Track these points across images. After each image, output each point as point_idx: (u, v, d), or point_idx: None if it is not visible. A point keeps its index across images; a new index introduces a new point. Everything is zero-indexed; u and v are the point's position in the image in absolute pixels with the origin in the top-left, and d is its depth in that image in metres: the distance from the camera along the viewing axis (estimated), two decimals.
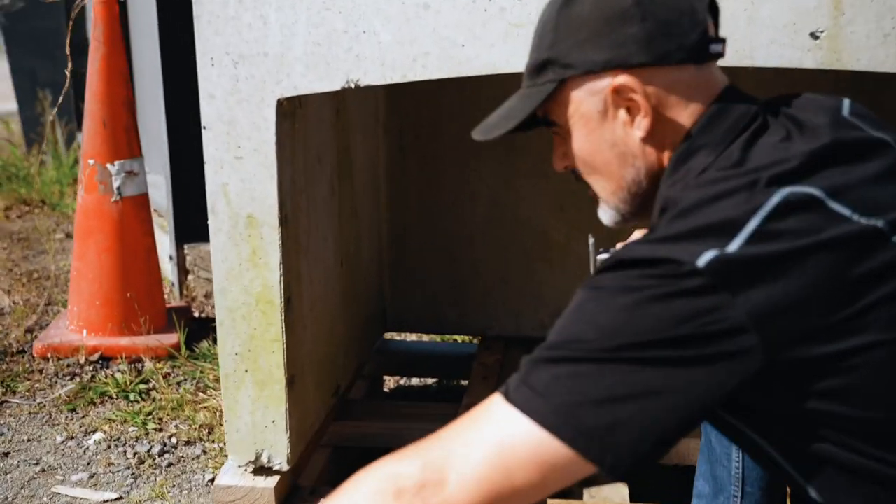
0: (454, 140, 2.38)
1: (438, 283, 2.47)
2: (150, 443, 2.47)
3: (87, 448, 2.46)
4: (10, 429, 2.56)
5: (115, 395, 2.74)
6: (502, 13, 1.51)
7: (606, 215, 1.20)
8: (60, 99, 3.06)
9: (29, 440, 2.50)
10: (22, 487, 2.26)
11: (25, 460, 2.39)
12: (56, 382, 2.86)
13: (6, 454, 2.43)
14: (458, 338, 3.05)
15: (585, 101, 1.10)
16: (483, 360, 2.32)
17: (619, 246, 1.40)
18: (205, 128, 1.65)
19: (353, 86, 1.58)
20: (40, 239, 4.33)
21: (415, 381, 2.87)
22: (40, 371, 2.93)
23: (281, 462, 1.78)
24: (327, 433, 2.13)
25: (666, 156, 1.10)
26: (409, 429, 2.13)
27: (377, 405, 2.27)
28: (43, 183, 5.08)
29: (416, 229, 2.47)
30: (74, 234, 3.09)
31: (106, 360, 2.99)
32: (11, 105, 6.43)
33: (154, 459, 2.39)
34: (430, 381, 2.84)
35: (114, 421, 2.59)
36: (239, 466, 1.81)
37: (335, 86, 1.59)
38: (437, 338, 3.06)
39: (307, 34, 1.57)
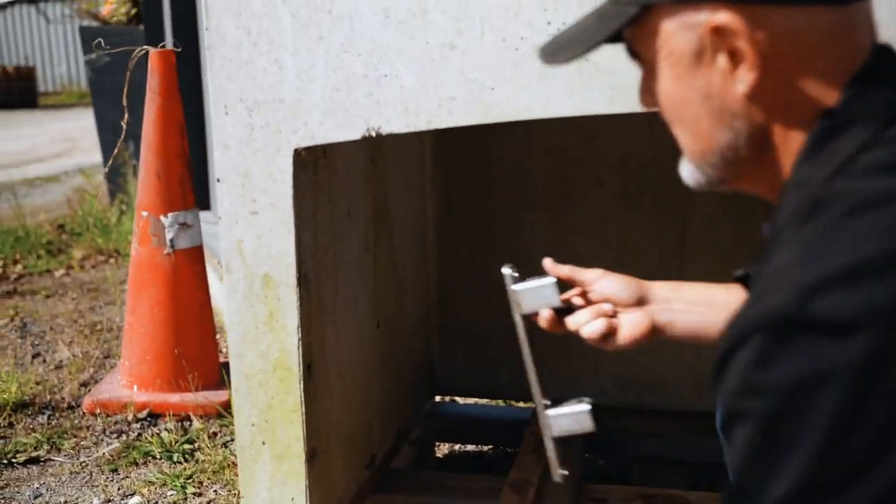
0: (506, 192, 2.23)
1: (491, 343, 2.30)
2: None
3: None
4: (49, 489, 2.48)
5: (158, 456, 2.64)
6: (536, 52, 1.35)
7: (690, 175, 0.95)
8: (115, 151, 3.02)
9: (66, 502, 2.42)
10: None
11: None
12: (102, 440, 2.78)
13: None
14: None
15: (676, 35, 0.86)
16: (536, 430, 2.12)
17: (552, 268, 1.29)
18: (219, 180, 1.54)
19: (373, 134, 1.45)
20: (109, 290, 4.33)
21: (470, 446, 2.69)
22: (88, 427, 2.86)
23: None
24: None
25: (779, 124, 0.86)
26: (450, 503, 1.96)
27: (419, 476, 2.10)
28: (119, 233, 5.11)
29: (467, 287, 2.31)
30: (128, 288, 3.04)
31: (155, 416, 2.90)
32: (98, 157, 6.57)
33: None
34: (486, 446, 2.66)
35: (153, 484, 2.48)
36: None
37: (355, 134, 1.45)
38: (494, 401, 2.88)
39: (325, 79, 1.44)
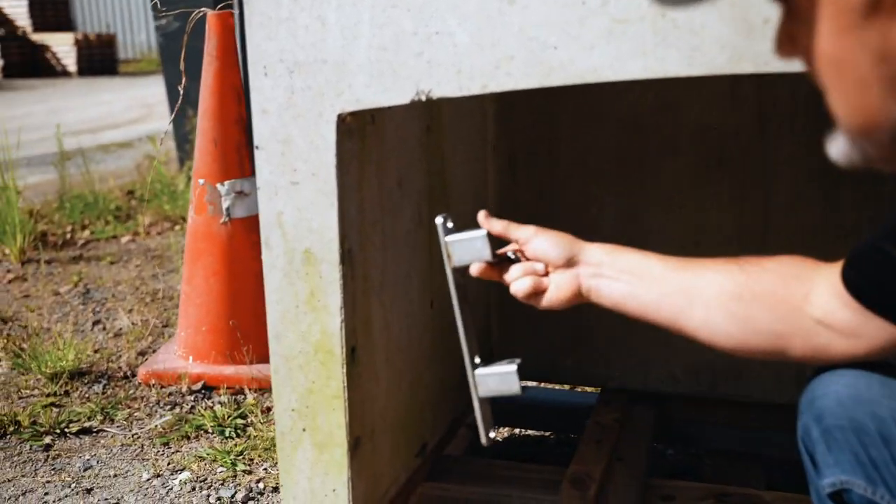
0: (573, 164, 2.07)
1: (554, 325, 2.16)
2: (235, 487, 2.28)
3: (171, 489, 2.29)
4: (100, 461, 2.44)
5: (210, 430, 2.58)
6: (604, 7, 1.20)
7: (842, 153, 0.78)
8: (171, 116, 2.94)
9: (115, 475, 2.37)
10: None
11: (106, 499, 2.25)
12: (156, 411, 2.73)
13: (89, 490, 2.30)
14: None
15: None
16: (600, 419, 1.99)
17: (485, 222, 1.27)
18: (257, 147, 1.42)
19: (423, 98, 1.31)
20: (172, 258, 4.30)
21: (531, 431, 2.56)
22: (142, 398, 2.81)
23: None
24: (414, 495, 1.86)
25: None
26: (504, 495, 1.84)
27: (473, 465, 1.98)
28: (185, 200, 5.08)
29: None
30: (184, 257, 2.98)
31: (209, 389, 2.84)
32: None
33: None
34: (548, 432, 2.53)
35: (203, 459, 2.42)
36: None
37: (403, 98, 1.32)
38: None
39: (371, 37, 1.31)
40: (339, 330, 1.44)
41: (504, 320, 2.24)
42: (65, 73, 17.41)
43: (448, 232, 1.29)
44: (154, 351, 3.13)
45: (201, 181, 2.84)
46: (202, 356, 2.88)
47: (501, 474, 1.92)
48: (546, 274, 1.27)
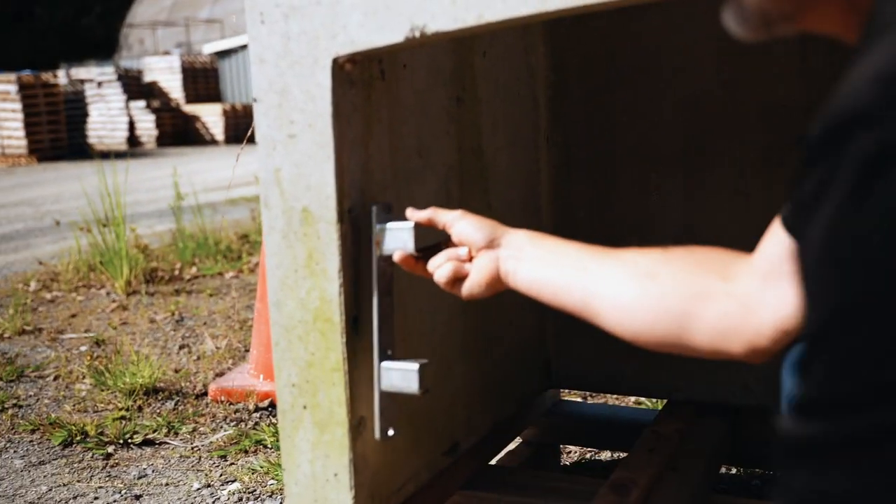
0: (632, 152, 1.92)
1: None
2: (282, 498, 2.18)
3: (219, 499, 2.22)
4: (155, 471, 2.40)
5: (269, 445, 2.50)
6: None
7: (738, 17, 0.71)
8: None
9: (167, 484, 2.32)
10: None
11: None
12: (221, 427, 2.68)
13: (138, 497, 2.25)
14: (648, 402, 2.51)
15: None
16: (659, 428, 1.79)
17: (410, 214, 1.27)
18: (255, 100, 1.35)
19: (417, 34, 1.21)
20: None
21: (605, 454, 2.37)
22: (209, 414, 2.77)
23: None
24: (448, 502, 1.72)
25: None
26: None
27: (519, 475, 1.82)
28: None
29: None
30: (259, 273, 2.96)
31: (276, 407, 2.78)
32: None
33: None
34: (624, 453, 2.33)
35: (256, 472, 2.34)
36: None
37: (398, 36, 1.23)
38: (627, 402, 2.54)
39: None
40: (337, 296, 1.34)
41: (562, 329, 2.08)
42: (213, 142, 18.34)
43: (383, 220, 1.29)
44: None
45: None
46: (272, 374, 2.83)
47: (546, 486, 1.75)
48: (470, 260, 1.24)
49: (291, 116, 1.33)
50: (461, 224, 1.25)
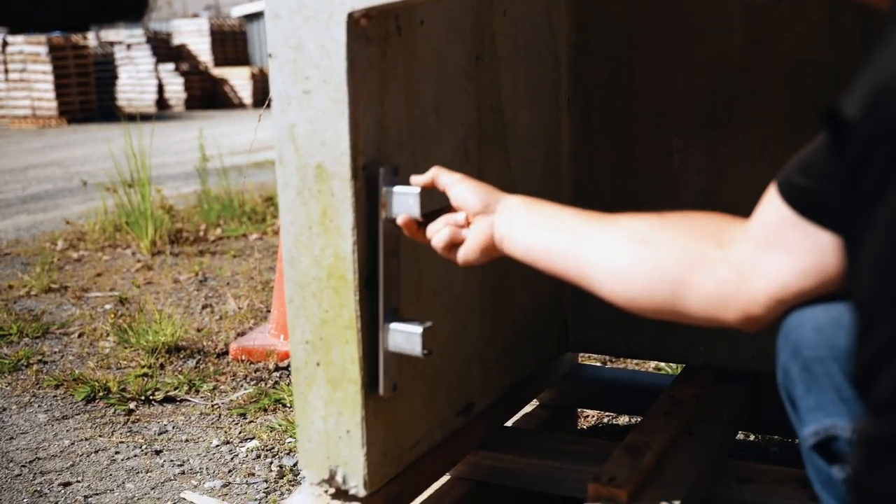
0: (653, 114, 1.89)
1: None
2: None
3: (237, 455, 2.24)
4: (175, 427, 2.42)
5: (288, 404, 2.52)
6: None
7: None
8: None
9: (186, 440, 2.34)
10: (153, 488, 2.08)
11: (172, 460, 2.22)
12: (241, 385, 2.70)
13: (158, 452, 2.28)
14: (666, 366, 2.50)
15: None
16: (676, 392, 1.78)
17: (414, 180, 1.27)
18: (270, 55, 1.34)
19: None
20: None
21: (623, 419, 2.36)
22: (230, 373, 2.79)
23: (356, 485, 1.40)
24: (464, 463, 1.72)
25: None
26: (558, 468, 1.66)
27: (536, 437, 1.82)
28: None
29: None
30: (281, 232, 2.96)
31: None
32: None
33: (295, 475, 2.11)
34: (639, 417, 2.32)
35: (275, 430, 2.36)
36: (311, 485, 1.45)
37: None
38: (647, 365, 2.53)
39: None
40: (350, 253, 1.33)
41: (579, 293, 2.06)
42: (241, 105, 18.34)
43: (391, 184, 1.29)
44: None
45: None
46: None
47: (563, 448, 1.74)
48: (467, 225, 1.23)
49: (306, 72, 1.31)
50: (458, 188, 1.24)
